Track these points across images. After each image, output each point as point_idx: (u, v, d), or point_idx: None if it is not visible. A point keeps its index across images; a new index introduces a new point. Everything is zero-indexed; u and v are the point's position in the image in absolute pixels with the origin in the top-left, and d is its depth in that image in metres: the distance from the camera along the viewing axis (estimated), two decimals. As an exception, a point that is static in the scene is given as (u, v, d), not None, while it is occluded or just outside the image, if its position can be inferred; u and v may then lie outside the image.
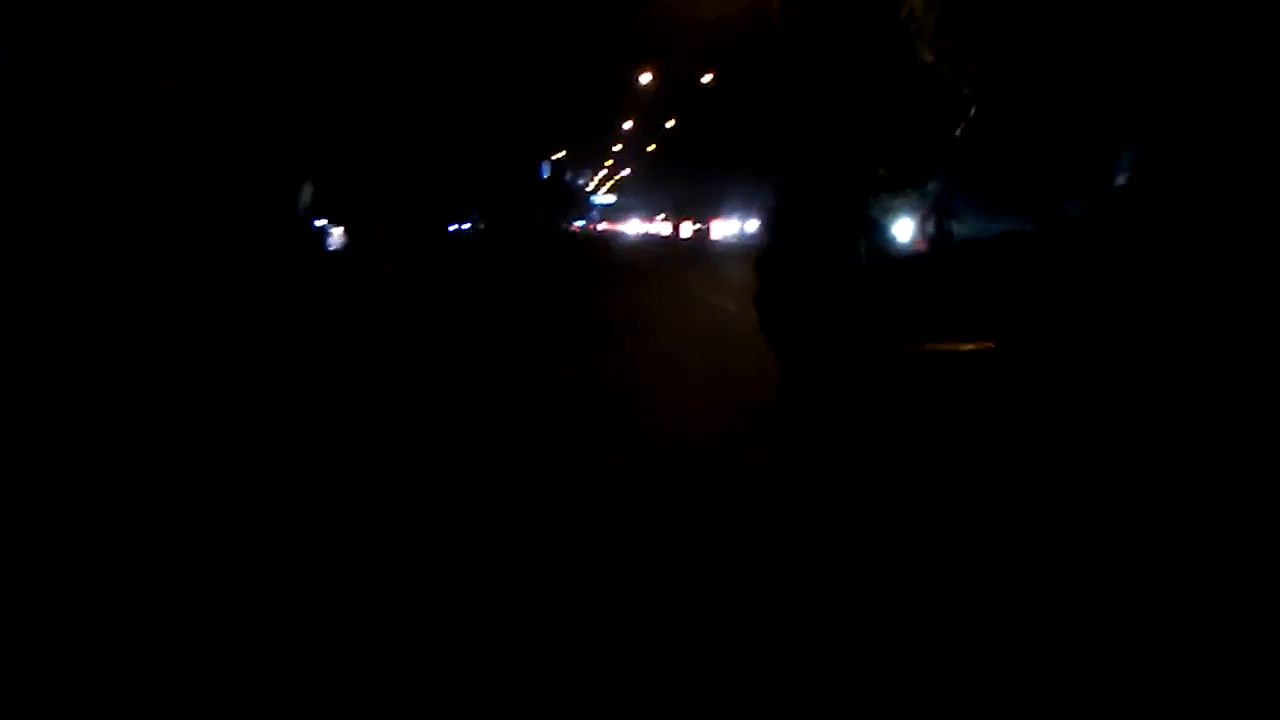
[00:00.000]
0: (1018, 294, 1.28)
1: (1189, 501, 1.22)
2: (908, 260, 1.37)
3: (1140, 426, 1.23)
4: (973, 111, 1.35)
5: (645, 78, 42.81)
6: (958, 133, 1.35)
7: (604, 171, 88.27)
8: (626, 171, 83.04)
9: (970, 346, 1.30)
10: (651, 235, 55.09)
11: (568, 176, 69.49)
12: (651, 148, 62.63)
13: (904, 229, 1.40)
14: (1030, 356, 1.27)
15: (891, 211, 1.42)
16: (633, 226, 70.30)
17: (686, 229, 42.70)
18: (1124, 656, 1.24)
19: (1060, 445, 1.26)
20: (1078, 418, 1.25)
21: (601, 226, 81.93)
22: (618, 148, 70.85)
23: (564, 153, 60.41)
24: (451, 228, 40.27)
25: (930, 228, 1.37)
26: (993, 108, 1.34)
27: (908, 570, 1.34)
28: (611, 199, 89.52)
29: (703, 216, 39.65)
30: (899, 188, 1.38)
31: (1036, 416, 1.27)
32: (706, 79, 38.49)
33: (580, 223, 78.03)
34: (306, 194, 23.44)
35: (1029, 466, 1.28)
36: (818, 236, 1.43)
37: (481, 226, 46.29)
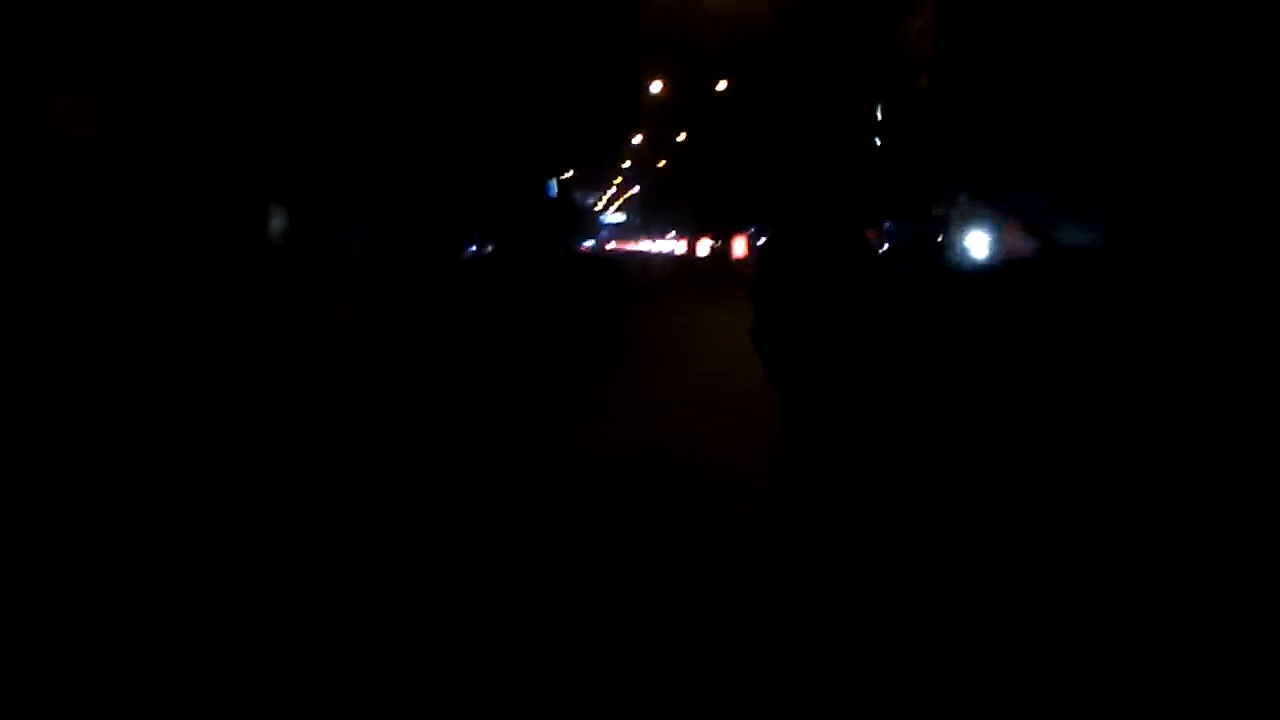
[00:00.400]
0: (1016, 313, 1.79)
1: (1190, 508, 1.45)
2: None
3: (1139, 440, 1.53)
4: (973, 133, 2.13)
5: (655, 87, 40.40)
6: (957, 156, 2.17)
7: (612, 189, 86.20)
8: (636, 189, 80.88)
9: None
10: (665, 254, 52.57)
11: (575, 196, 67.40)
12: (662, 163, 60.40)
13: (979, 242, 2.38)
14: (1024, 379, 1.67)
15: (964, 224, 1.95)
16: (644, 246, 68.05)
17: (704, 247, 40.09)
18: (1124, 655, 1.32)
19: (1057, 477, 1.53)
20: (1072, 446, 1.56)
21: (610, 246, 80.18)
22: (626, 164, 68.66)
23: (571, 172, 58.32)
24: (456, 251, 38.01)
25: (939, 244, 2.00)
26: (992, 128, 2.28)
27: (908, 594, 1.47)
28: (621, 218, 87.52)
29: (722, 232, 37.05)
30: (903, 215, 2.34)
31: (1033, 440, 1.60)
32: (721, 86, 36.07)
33: (590, 243, 76.17)
34: (279, 218, 21.04)
35: (1026, 491, 1.54)
36: (814, 268, 1.47)
37: (489, 249, 44.14)
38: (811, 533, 1.46)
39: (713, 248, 38.54)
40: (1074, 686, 1.26)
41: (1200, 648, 1.21)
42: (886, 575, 1.44)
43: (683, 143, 49.07)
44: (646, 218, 75.80)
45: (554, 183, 53.49)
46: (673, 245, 53.93)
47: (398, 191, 32.36)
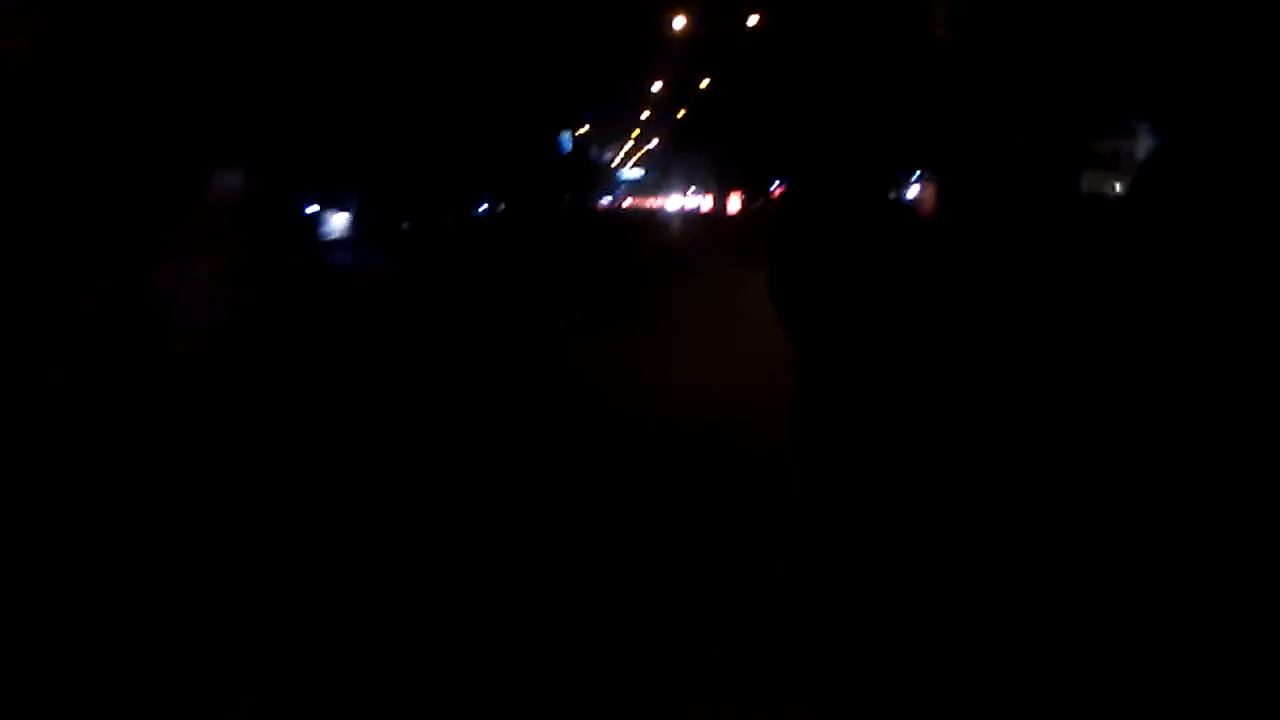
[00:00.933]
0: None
1: (1204, 503, 1.20)
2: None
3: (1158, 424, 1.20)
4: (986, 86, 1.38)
5: (678, 23, 36.44)
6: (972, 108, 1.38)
7: (630, 144, 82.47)
8: (654, 143, 77.12)
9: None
10: (690, 212, 48.81)
11: (591, 151, 63.89)
12: (682, 113, 56.61)
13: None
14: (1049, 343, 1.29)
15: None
16: (665, 203, 64.46)
17: (734, 202, 36.27)
18: (1130, 659, 1.25)
19: (1095, 432, 1.24)
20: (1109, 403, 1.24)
21: (627, 203, 77.38)
22: (644, 115, 64.87)
23: (587, 127, 54.79)
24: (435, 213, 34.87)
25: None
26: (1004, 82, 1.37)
27: (930, 564, 1.38)
28: (639, 173, 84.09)
29: (756, 185, 33.17)
30: (914, 165, 1.46)
31: (1063, 405, 1.27)
32: (753, 21, 32.21)
33: (606, 199, 73.27)
34: (228, 178, 17.61)
35: (1055, 454, 1.28)
36: (834, 215, 1.43)
37: (500, 208, 41.01)
38: (824, 493, 1.40)
39: (744, 203, 34.74)
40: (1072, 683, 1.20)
41: (1201, 648, 1.15)
42: (899, 541, 1.33)
43: (706, 89, 45.20)
44: (666, 172, 72.12)
45: (567, 136, 50.02)
46: (697, 201, 50.11)
47: (393, 149, 29.08)
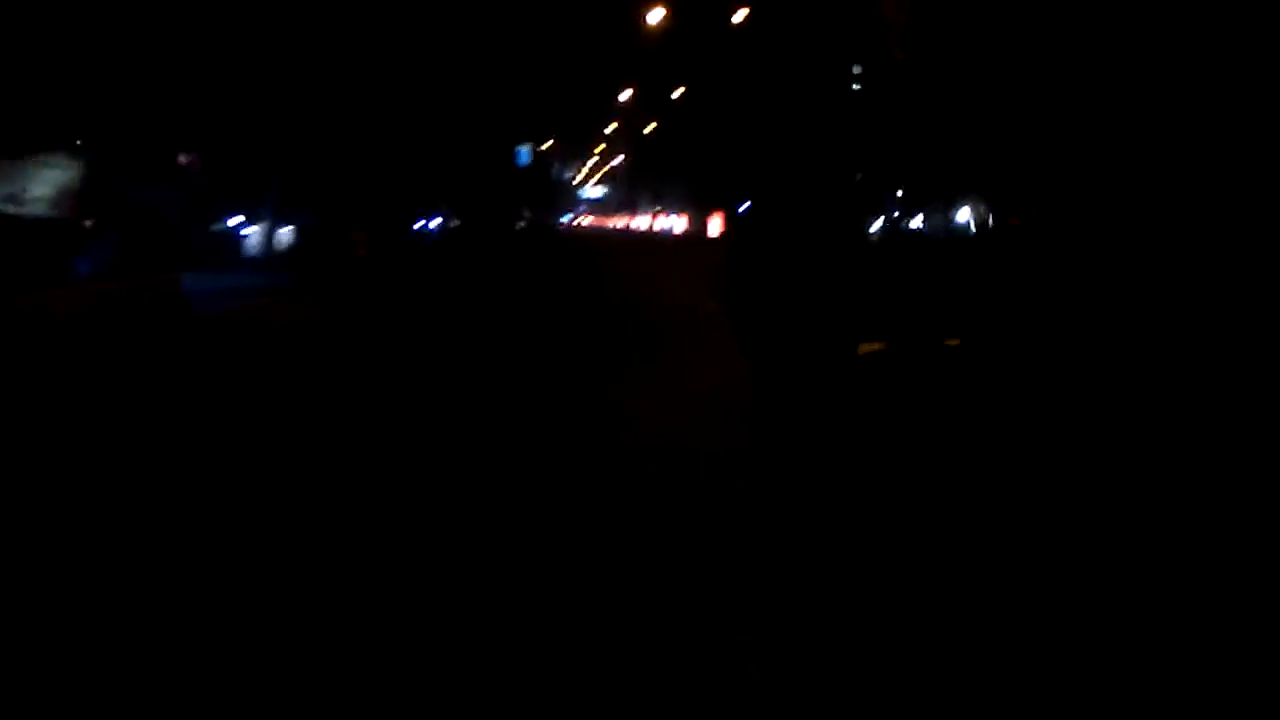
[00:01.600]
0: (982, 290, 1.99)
1: (1168, 495, 1.42)
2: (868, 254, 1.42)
3: (1119, 422, 1.62)
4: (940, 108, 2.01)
5: (654, 17, 32.35)
6: (922, 130, 1.36)
7: (594, 159, 78.56)
8: (619, 160, 73.28)
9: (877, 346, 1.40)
10: (662, 234, 44.69)
11: (553, 167, 59.86)
12: (651, 127, 52.73)
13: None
14: (1001, 351, 1.74)
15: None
16: (631, 222, 60.46)
17: (715, 225, 32.11)
18: (1117, 652, 1.24)
19: (1033, 436, 1.53)
20: (1049, 409, 1.60)
21: (587, 221, 73.90)
22: (611, 129, 60.93)
23: (550, 142, 50.80)
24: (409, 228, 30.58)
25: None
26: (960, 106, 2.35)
27: (890, 564, 1.46)
28: (601, 192, 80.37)
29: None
30: (871, 189, 1.46)
31: (1008, 409, 1.59)
32: (738, 17, 28.25)
33: (566, 218, 69.70)
34: (38, 184, 13.36)
35: (1004, 459, 1.53)
36: (786, 235, 1.43)
37: (454, 224, 36.88)
38: (785, 505, 1.34)
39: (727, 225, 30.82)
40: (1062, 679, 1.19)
41: (1200, 648, 1.12)
42: (862, 550, 1.26)
43: (680, 99, 41.30)
44: (632, 191, 68.28)
45: (526, 149, 45.91)
46: (668, 222, 46.11)
47: (323, 154, 24.91)
